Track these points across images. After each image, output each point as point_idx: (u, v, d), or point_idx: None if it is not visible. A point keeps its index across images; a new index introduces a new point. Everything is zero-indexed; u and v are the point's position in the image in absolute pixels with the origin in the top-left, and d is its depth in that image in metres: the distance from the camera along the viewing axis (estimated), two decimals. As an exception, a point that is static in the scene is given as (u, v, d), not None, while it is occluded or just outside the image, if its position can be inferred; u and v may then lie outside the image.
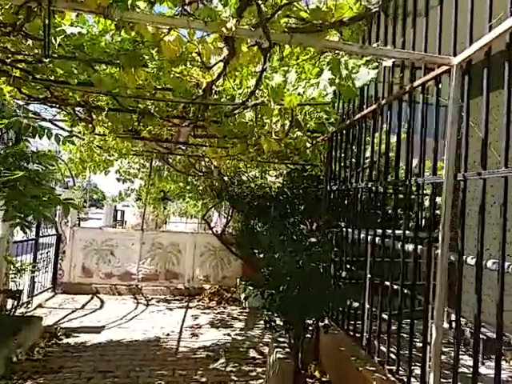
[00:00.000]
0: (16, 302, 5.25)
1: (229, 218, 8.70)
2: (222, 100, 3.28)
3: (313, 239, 3.78)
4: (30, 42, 2.37)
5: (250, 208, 7.40)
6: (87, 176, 8.54)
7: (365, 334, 3.63)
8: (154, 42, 2.42)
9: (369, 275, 3.66)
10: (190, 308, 7.56)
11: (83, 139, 6.54)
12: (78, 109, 4.71)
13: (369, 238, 3.57)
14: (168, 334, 5.81)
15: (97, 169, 8.12)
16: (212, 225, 10.23)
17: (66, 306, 7.25)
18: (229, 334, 5.98)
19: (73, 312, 6.82)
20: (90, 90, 2.86)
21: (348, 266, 4.01)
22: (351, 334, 3.92)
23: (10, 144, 4.44)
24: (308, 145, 4.81)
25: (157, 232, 9.07)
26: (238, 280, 8.53)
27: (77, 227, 8.54)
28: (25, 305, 6.06)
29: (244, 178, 8.55)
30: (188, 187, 9.20)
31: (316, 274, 3.45)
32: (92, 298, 7.89)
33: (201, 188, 9.15)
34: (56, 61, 2.90)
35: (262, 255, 4.63)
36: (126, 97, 2.98)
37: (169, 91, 3.23)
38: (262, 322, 7.07)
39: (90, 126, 4.78)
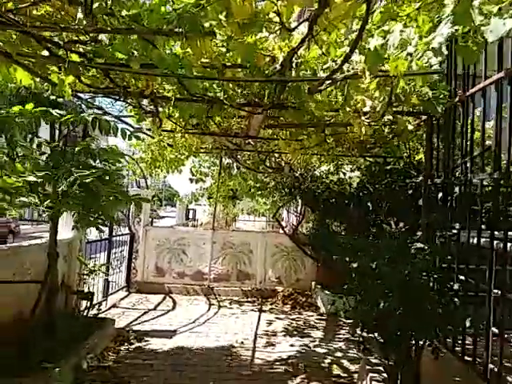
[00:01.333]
0: (89, 303, 5.16)
1: (301, 216, 8.12)
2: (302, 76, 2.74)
3: (419, 244, 3.09)
4: (79, 14, 2.02)
5: (325, 206, 6.77)
6: (161, 175, 8.46)
7: (486, 361, 2.87)
8: (222, 3, 1.95)
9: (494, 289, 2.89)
10: (264, 312, 7.12)
11: (152, 137, 6.36)
12: (143, 102, 4.44)
13: (494, 242, 2.80)
14: (242, 342, 5.40)
15: (169, 168, 8.01)
16: (283, 224, 9.76)
17: (139, 306, 7.18)
18: (307, 345, 5.42)
19: (145, 313, 6.70)
20: (151, 72, 2.48)
21: (462, 277, 3.26)
22: (465, 359, 3.17)
23: (78, 141, 4.30)
24: (410, 127, 4.07)
25: (227, 231, 8.79)
26: (312, 283, 7.95)
27: (149, 226, 8.51)
28: (98, 305, 6.00)
29: (317, 173, 7.92)
30: (258, 185, 8.78)
31: (426, 289, 2.78)
32: (164, 298, 7.78)
33: (271, 185, 8.69)
34: (114, 42, 2.55)
35: (345, 260, 4.00)
36: (192, 78, 2.55)
37: (239, 68, 2.77)
38: (342, 331, 6.47)
39: (157, 120, 4.49)
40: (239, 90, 3.61)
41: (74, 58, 2.55)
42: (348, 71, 2.47)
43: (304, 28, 2.22)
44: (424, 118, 4.06)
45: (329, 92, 3.36)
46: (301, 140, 5.47)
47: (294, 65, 2.64)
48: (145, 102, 4.37)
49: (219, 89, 3.62)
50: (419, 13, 1.97)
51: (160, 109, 4.04)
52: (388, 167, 6.81)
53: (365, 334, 3.19)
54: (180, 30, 1.98)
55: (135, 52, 2.55)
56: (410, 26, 2.08)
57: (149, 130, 5.75)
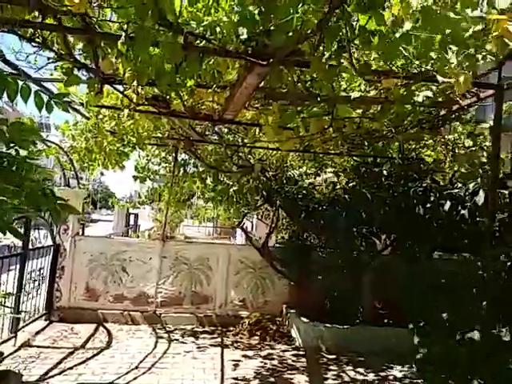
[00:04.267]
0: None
1: (272, 226, 6.78)
2: None
3: None
4: None
5: (306, 214, 5.49)
6: (96, 172, 6.71)
7: None
8: None
9: None
10: (227, 347, 5.65)
11: (87, 117, 4.69)
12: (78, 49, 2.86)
13: None
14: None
15: (108, 162, 6.32)
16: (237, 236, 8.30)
17: (61, 342, 5.40)
18: (296, 403, 4.06)
19: (70, 354, 4.96)
20: None
21: None
22: None
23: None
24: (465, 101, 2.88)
25: (181, 243, 7.21)
26: (283, 307, 6.62)
27: (80, 236, 6.69)
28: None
29: (294, 174, 6.64)
30: (219, 187, 7.30)
31: None
32: (97, 330, 6.04)
33: (236, 188, 7.25)
34: None
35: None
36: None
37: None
38: (330, 373, 5.19)
39: (96, 80, 2.92)
40: (242, 31, 2.19)
41: None
42: None
43: None
44: (490, 92, 2.93)
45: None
46: (292, 129, 4.13)
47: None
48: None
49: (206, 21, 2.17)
50: None
51: (100, 54, 2.49)
52: (383, 168, 5.69)
53: None
54: None
55: None
56: None
57: (81, 104, 4.10)
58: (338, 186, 5.61)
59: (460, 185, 5.06)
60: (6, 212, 2.44)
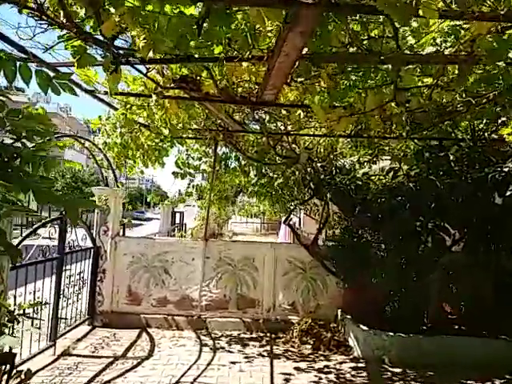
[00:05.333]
0: (6, 374, 3.08)
1: (323, 222, 6.13)
2: None
3: None
4: None
5: (363, 207, 4.79)
6: (135, 170, 6.39)
7: None
8: None
9: None
10: (277, 357, 5.11)
11: (114, 108, 4.29)
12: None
13: None
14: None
15: (147, 159, 5.98)
16: (282, 234, 7.71)
17: (102, 351, 5.10)
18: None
19: (110, 365, 4.64)
20: None
21: None
22: None
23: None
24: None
25: (224, 242, 6.75)
26: (338, 312, 5.96)
27: (120, 237, 6.42)
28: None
29: (346, 164, 5.95)
30: (263, 180, 6.76)
31: None
32: (140, 336, 5.71)
33: (280, 181, 6.68)
34: None
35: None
36: None
37: None
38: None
39: (110, 56, 2.46)
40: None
41: None
42: None
43: None
44: None
45: None
46: (344, 107, 3.48)
47: None
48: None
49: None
50: None
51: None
52: (450, 152, 4.87)
53: None
54: None
55: None
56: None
57: (106, 93, 3.69)
58: (400, 173, 4.84)
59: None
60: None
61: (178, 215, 13.72)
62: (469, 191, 4.32)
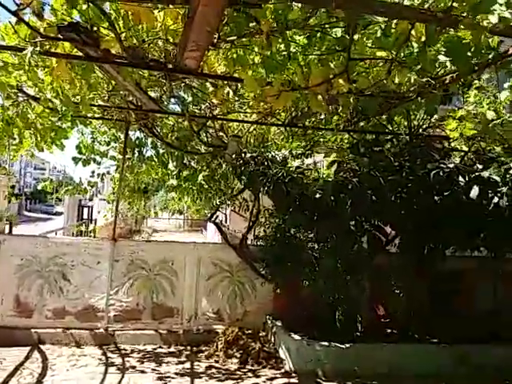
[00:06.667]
0: None
1: (253, 219, 5.50)
2: None
3: None
4: None
5: (302, 204, 4.22)
6: (21, 154, 5.24)
7: None
8: None
9: None
10: (198, 375, 4.39)
11: None
12: None
13: None
14: None
15: (40, 140, 4.91)
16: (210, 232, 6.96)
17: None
18: None
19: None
20: None
21: None
22: None
23: None
24: None
25: (137, 243, 5.83)
26: (268, 318, 5.39)
27: (6, 235, 5.21)
28: None
29: (273, 156, 5.36)
30: (184, 173, 5.93)
31: None
32: (29, 355, 4.67)
33: (204, 174, 5.91)
34: None
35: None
36: None
37: None
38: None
39: None
40: None
41: None
42: None
43: None
44: None
45: None
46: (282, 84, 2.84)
47: None
48: None
49: None
50: None
51: None
52: (386, 147, 4.51)
53: None
54: None
55: None
56: None
57: None
58: (342, 168, 4.36)
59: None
60: None
61: (86, 210, 12.21)
62: (412, 189, 3.95)
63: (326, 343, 4.55)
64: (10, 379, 4.07)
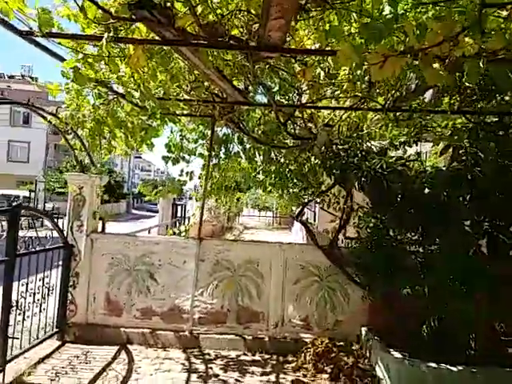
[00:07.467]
0: None
1: (344, 218, 4.94)
2: None
3: None
4: None
5: (406, 202, 3.59)
6: (112, 154, 5.30)
7: None
8: None
9: None
10: (285, 390, 3.99)
11: (61, 58, 3.14)
12: None
13: None
14: None
15: (132, 140, 4.92)
16: (295, 230, 6.48)
17: (63, 378, 4.04)
18: None
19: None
20: None
21: None
22: None
23: None
24: None
25: (223, 242, 5.61)
26: (363, 330, 4.80)
27: (98, 234, 5.34)
28: None
29: (368, 147, 4.73)
30: (272, 167, 5.58)
31: None
32: (117, 355, 4.66)
33: (292, 168, 5.50)
34: None
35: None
36: None
37: None
38: None
39: None
40: None
41: None
42: None
43: None
44: None
45: None
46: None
47: None
48: None
49: None
50: None
51: None
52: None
53: None
54: None
55: None
56: None
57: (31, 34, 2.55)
58: (457, 155, 3.62)
59: None
60: None
61: (179, 208, 12.60)
62: None
63: (434, 364, 3.84)
64: (95, 381, 4.05)
